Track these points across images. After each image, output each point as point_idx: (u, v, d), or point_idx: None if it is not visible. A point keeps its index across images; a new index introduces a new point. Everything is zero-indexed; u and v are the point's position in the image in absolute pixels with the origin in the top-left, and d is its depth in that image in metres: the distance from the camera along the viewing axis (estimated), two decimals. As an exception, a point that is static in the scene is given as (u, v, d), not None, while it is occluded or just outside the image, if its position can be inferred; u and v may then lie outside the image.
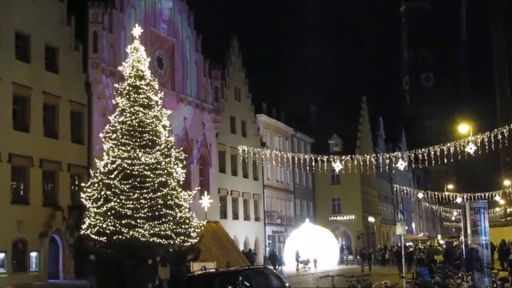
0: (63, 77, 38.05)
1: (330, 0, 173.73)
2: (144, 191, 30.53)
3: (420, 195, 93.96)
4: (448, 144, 40.43)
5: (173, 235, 30.78)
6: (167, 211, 30.81)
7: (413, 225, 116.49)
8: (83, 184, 32.88)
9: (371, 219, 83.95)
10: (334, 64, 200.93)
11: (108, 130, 31.94)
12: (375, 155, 54.88)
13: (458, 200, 74.35)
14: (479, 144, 37.44)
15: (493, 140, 37.31)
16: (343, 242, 79.62)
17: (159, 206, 30.64)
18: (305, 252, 58.11)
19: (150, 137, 31.62)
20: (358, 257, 62.49)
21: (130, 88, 32.18)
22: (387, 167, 61.00)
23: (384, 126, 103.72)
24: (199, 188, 40.72)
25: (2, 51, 34.03)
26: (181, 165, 32.89)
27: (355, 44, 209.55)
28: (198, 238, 32.48)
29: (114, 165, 30.88)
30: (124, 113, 31.80)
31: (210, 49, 54.60)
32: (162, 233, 30.35)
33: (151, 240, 30.02)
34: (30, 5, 36.21)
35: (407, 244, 68.68)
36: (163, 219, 30.56)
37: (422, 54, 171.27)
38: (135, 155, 30.89)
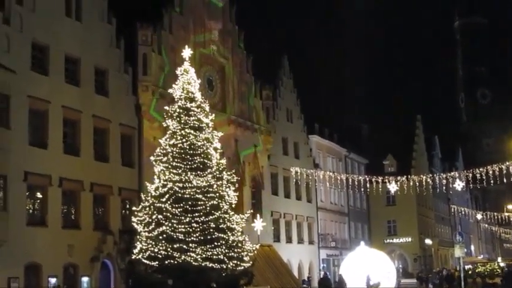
0: (113, 99, 37.82)
1: (382, 17, 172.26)
2: (196, 214, 30.25)
3: (479, 216, 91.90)
4: (507, 163, 39.37)
5: (226, 259, 30.36)
6: (219, 235, 30.46)
7: (472, 247, 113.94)
8: (134, 208, 32.72)
9: (428, 241, 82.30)
10: (387, 82, 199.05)
11: (159, 153, 31.87)
12: (431, 175, 53.90)
13: (519, 220, 72.25)
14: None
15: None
16: (399, 265, 77.92)
17: (211, 230, 30.30)
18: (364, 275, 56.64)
19: (202, 159, 31.43)
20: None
21: (181, 110, 32.11)
22: (444, 188, 59.73)
23: (440, 145, 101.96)
24: (251, 211, 40.09)
25: (52, 75, 33.96)
26: (233, 188, 32.51)
27: (408, 60, 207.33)
28: (251, 262, 31.98)
29: (165, 189, 30.73)
30: (175, 136, 31.70)
31: (261, 70, 54.08)
32: (214, 257, 29.98)
33: (203, 264, 29.66)
34: (79, 28, 36.12)
35: (466, 267, 66.87)
36: (216, 243, 30.19)
37: (478, 70, 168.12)
38: (187, 178, 30.70)
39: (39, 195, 33.16)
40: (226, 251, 30.39)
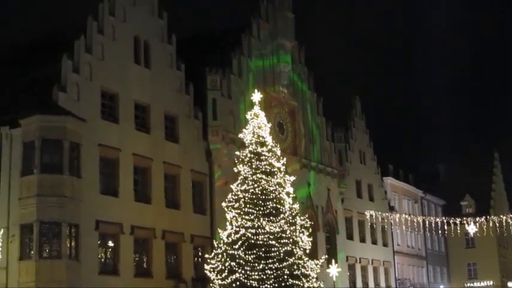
0: (183, 146, 37.60)
1: (454, 52, 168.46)
2: (270, 261, 29.80)
3: None
4: None
5: (301, 307, 29.48)
6: (294, 281, 29.86)
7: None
8: (206, 255, 32.43)
9: (510, 284, 79.45)
10: (461, 119, 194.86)
11: (231, 199, 31.63)
12: (511, 215, 52.12)
13: None
14: None
15: None
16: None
17: (286, 277, 29.73)
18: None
19: (274, 204, 31.05)
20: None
21: (252, 155, 31.96)
22: (525, 228, 57.72)
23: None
24: (326, 256, 39.11)
25: (122, 123, 34.01)
26: (307, 233, 31.83)
27: (482, 95, 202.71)
28: (327, 309, 30.98)
29: (238, 235, 30.42)
30: (246, 181, 31.49)
31: (332, 111, 53.45)
32: (289, 304, 29.14)
33: (278, 312, 28.84)
34: (148, 75, 36.18)
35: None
36: (290, 291, 29.34)
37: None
38: (259, 223, 30.31)
39: (111, 243, 33.00)
40: (302, 298, 29.61)
